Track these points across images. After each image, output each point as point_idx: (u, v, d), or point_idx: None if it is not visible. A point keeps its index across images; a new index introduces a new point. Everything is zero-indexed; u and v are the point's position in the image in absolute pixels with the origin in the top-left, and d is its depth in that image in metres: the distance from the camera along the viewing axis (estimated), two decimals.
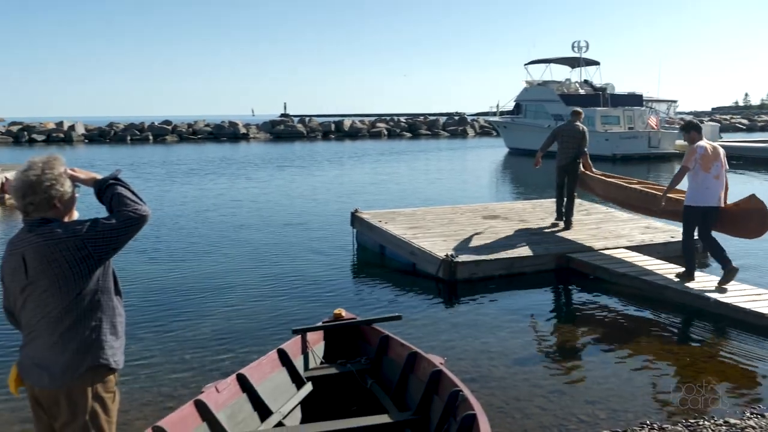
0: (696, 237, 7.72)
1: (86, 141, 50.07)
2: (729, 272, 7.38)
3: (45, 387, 2.62)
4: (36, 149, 40.23)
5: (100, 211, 2.66)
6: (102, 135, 51.24)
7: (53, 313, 2.59)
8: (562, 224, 10.36)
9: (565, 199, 10.42)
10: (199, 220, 13.69)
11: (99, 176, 2.76)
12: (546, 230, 10.23)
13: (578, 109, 10.65)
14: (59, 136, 49.70)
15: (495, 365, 5.73)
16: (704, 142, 7.53)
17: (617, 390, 5.21)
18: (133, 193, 2.70)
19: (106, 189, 2.69)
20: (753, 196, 7.44)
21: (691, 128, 7.68)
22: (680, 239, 7.98)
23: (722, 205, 7.48)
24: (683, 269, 7.85)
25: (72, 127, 51.16)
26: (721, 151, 7.47)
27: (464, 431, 3.45)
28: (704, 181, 7.37)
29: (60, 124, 52.45)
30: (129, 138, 50.47)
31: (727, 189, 7.60)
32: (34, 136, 48.96)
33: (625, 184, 10.08)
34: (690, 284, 7.52)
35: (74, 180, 2.74)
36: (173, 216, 14.01)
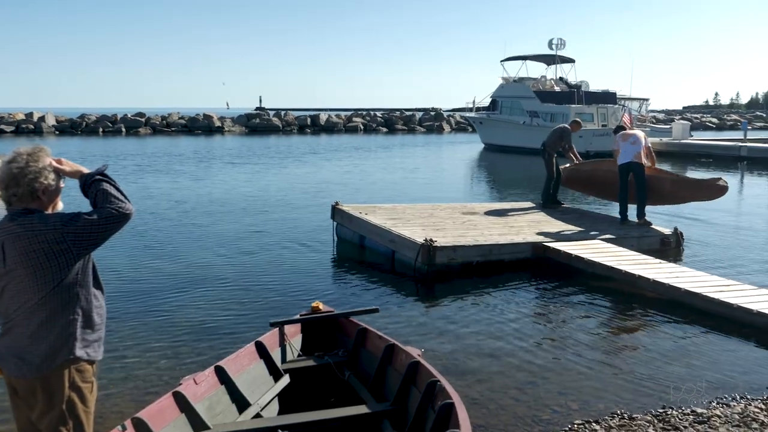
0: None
1: (57, 132, 49.05)
2: (640, 224, 10.36)
3: (22, 377, 2.60)
4: (4, 140, 39.47)
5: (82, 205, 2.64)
6: (73, 126, 50.29)
7: (29, 303, 2.58)
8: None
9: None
10: (175, 213, 13.57)
11: (85, 170, 2.74)
12: (523, 222, 10.41)
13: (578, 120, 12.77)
14: (29, 128, 48.48)
15: (470, 357, 5.80)
16: (621, 132, 10.77)
17: (589, 381, 5.31)
18: (119, 190, 2.68)
19: (92, 184, 2.67)
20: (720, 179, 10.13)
21: (616, 130, 11.17)
22: (653, 235, 9.98)
23: (640, 161, 10.31)
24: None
25: (42, 118, 50.02)
26: (639, 133, 10.69)
27: (442, 420, 3.50)
28: (623, 147, 10.44)
29: (30, 115, 51.19)
30: (101, 130, 49.59)
31: (651, 156, 10.71)
32: (2, 127, 47.58)
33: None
34: (663, 274, 7.75)
35: (59, 172, 2.72)
36: (150, 208, 13.83)
